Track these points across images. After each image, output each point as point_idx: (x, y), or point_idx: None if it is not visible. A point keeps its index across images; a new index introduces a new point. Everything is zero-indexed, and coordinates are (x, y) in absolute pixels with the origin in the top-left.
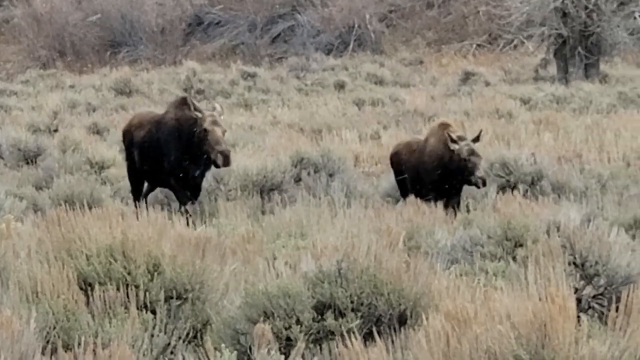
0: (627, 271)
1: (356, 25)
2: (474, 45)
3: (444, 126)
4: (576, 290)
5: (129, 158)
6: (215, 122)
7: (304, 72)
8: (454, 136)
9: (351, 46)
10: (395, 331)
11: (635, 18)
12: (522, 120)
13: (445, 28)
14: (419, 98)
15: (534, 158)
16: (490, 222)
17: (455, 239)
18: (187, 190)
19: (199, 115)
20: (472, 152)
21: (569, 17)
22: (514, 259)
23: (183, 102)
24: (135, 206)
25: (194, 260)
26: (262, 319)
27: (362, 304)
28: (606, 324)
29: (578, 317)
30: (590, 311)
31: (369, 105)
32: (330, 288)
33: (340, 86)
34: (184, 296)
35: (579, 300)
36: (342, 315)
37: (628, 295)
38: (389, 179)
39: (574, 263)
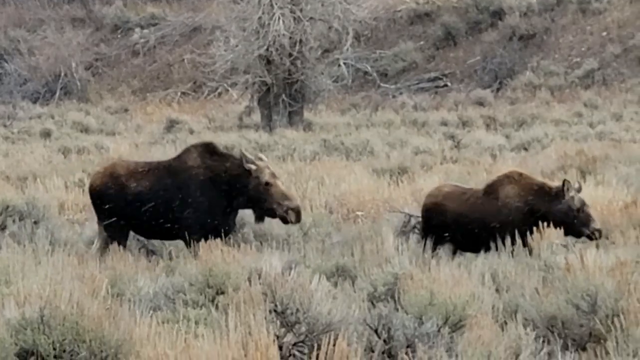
0: (328, 319)
1: (62, 74)
2: (179, 93)
3: (521, 175)
4: (277, 337)
5: (111, 214)
6: (274, 175)
7: (10, 121)
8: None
9: (57, 94)
10: None
11: (339, 65)
12: None
13: (151, 76)
14: (123, 146)
15: None
16: (192, 269)
17: (158, 286)
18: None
19: (253, 167)
20: (584, 203)
21: (274, 64)
22: (216, 306)
23: (208, 149)
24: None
25: None
26: None
27: (64, 351)
28: None
29: None
30: (291, 358)
31: (74, 153)
32: (33, 335)
33: (47, 134)
34: None
35: (280, 348)
36: None
37: (329, 343)
38: (92, 227)
39: (275, 310)
